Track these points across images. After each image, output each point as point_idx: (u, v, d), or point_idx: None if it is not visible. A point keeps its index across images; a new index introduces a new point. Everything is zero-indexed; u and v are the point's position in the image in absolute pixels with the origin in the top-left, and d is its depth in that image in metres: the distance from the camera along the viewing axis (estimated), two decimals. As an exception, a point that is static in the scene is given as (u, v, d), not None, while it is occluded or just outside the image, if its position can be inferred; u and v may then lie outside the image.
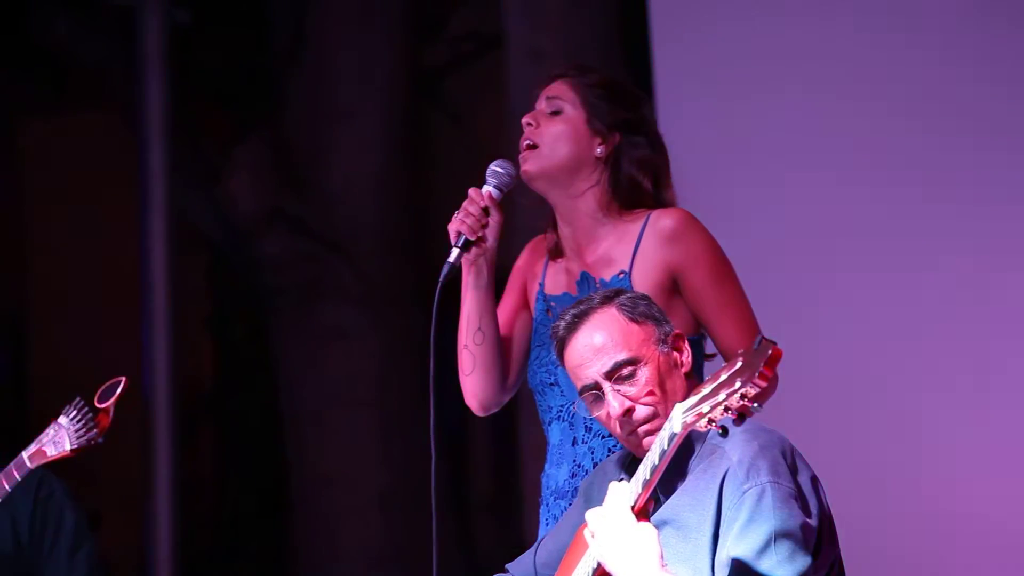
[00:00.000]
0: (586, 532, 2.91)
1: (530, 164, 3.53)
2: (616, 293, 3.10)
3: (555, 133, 3.52)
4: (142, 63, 6.65)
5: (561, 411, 3.50)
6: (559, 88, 3.56)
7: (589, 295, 3.18)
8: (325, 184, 6.93)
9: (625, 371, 3.01)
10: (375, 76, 6.91)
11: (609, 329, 3.03)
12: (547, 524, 3.51)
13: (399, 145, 6.97)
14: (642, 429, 3.00)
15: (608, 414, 3.02)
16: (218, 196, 7.03)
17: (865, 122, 4.98)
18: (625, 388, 3.01)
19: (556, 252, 3.60)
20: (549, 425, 3.54)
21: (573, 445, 3.49)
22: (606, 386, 3.02)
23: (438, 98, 7.32)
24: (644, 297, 3.11)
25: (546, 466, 3.55)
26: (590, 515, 2.90)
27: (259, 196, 6.94)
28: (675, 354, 3.06)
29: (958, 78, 4.88)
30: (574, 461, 3.48)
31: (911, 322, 4.89)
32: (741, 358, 2.69)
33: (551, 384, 3.52)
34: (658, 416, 2.98)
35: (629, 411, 3.00)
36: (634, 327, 3.04)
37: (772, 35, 5.14)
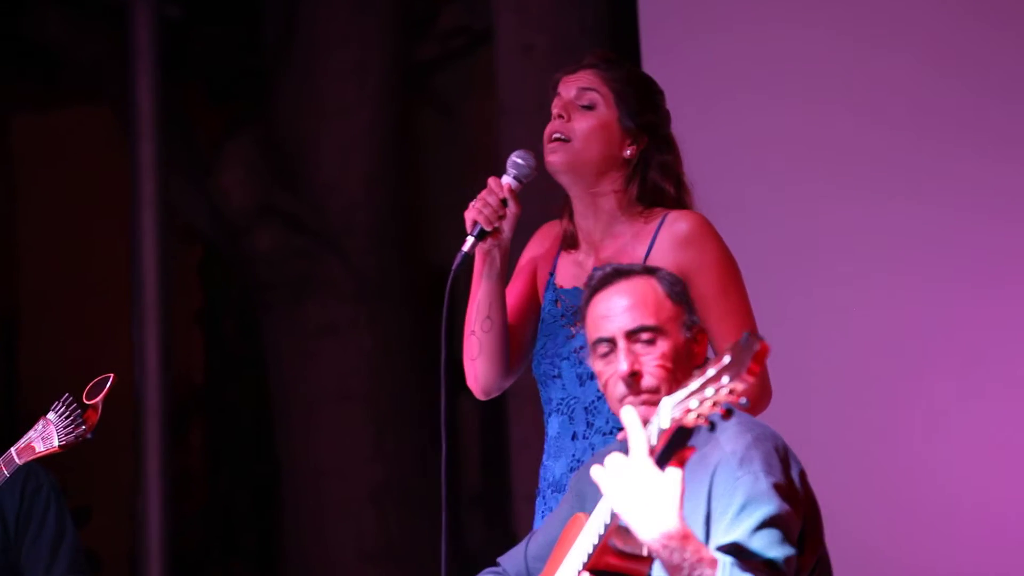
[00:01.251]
0: (599, 475, 2.88)
1: (559, 156, 3.49)
2: (657, 269, 3.09)
3: (588, 129, 3.49)
4: (133, 59, 6.66)
5: (561, 404, 3.50)
6: (591, 79, 3.52)
7: (631, 263, 3.15)
8: (316, 179, 6.93)
9: (646, 336, 3.00)
10: (366, 72, 6.90)
11: (644, 294, 3.02)
12: (543, 516, 3.51)
13: (390, 140, 6.96)
14: (640, 398, 2.98)
15: (613, 372, 3.01)
16: (210, 191, 7.02)
17: (859, 118, 4.98)
18: (639, 352, 3.00)
19: (571, 242, 3.59)
20: (549, 416, 3.54)
21: (572, 439, 3.48)
22: (621, 344, 3.00)
23: (429, 93, 7.31)
24: (682, 282, 3.10)
25: (544, 458, 3.55)
26: (609, 462, 2.83)
27: (251, 191, 6.94)
28: (694, 345, 3.05)
29: (953, 63, 4.89)
30: (573, 456, 3.48)
31: (904, 321, 4.90)
32: (729, 353, 2.69)
33: (554, 376, 3.52)
34: (659, 392, 2.96)
35: (636, 375, 2.99)
36: (668, 302, 3.03)
37: (762, 32, 5.14)
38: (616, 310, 3.02)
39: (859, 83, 4.96)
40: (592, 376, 3.45)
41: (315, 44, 6.95)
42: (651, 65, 5.26)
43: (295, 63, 7.02)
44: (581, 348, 3.49)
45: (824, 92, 5.01)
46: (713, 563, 2.79)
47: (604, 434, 3.44)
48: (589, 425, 3.47)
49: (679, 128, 5.10)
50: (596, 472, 2.84)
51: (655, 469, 2.77)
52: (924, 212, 4.90)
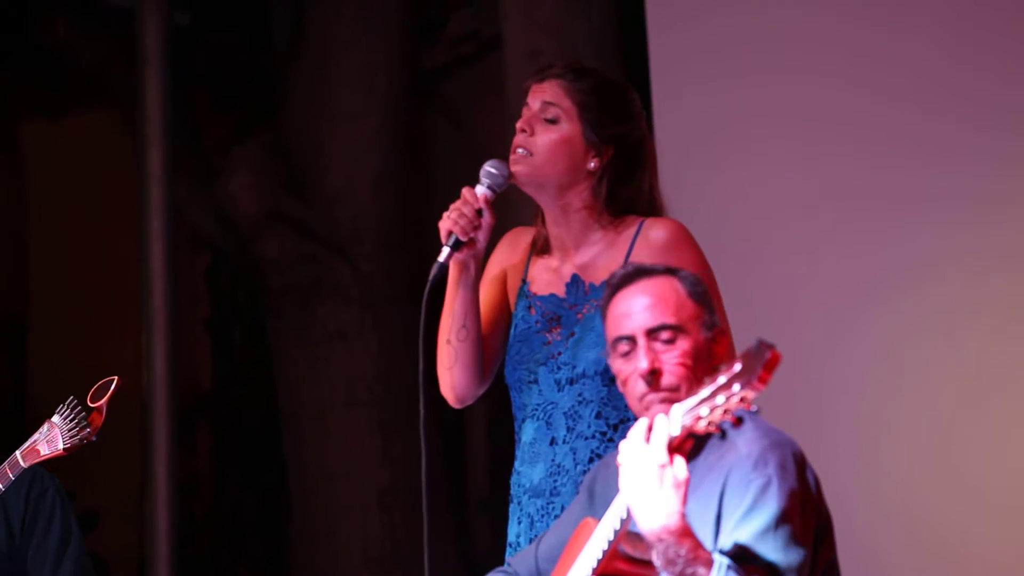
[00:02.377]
0: (622, 450, 2.88)
1: (521, 167, 3.48)
2: (679, 269, 3.09)
3: (550, 144, 3.48)
4: (142, 64, 6.67)
5: (537, 409, 3.49)
6: (555, 92, 3.50)
7: (653, 263, 3.15)
8: (324, 185, 6.94)
9: (666, 335, 2.99)
10: (374, 78, 6.91)
11: (665, 293, 3.02)
12: (519, 523, 3.50)
13: (398, 146, 6.97)
14: (660, 395, 2.97)
15: (633, 370, 3.01)
16: (217, 197, 7.03)
17: (863, 116, 4.98)
18: (660, 350, 2.99)
19: (543, 248, 3.59)
20: (522, 422, 3.53)
21: (551, 445, 3.47)
22: (642, 341, 2.99)
23: (437, 99, 7.32)
24: (704, 283, 3.10)
25: (516, 464, 3.54)
26: (628, 444, 2.85)
27: (258, 197, 6.95)
28: (714, 346, 3.03)
29: (960, 68, 4.88)
30: (552, 461, 3.47)
31: (905, 326, 4.90)
32: (740, 361, 2.69)
33: (530, 382, 3.51)
34: (679, 390, 2.95)
35: (656, 373, 2.98)
36: (689, 302, 3.02)
37: (770, 33, 5.14)
38: (637, 308, 3.01)
39: (872, 83, 4.96)
40: (570, 381, 3.46)
41: (323, 50, 6.96)
42: (660, 69, 5.27)
43: (303, 69, 7.03)
44: (559, 354, 3.49)
45: (833, 94, 5.01)
46: (709, 563, 2.80)
47: (586, 438, 3.44)
48: (569, 430, 3.46)
49: (686, 130, 5.13)
50: (620, 450, 2.85)
51: (666, 460, 2.78)
52: (927, 216, 4.90)
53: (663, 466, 2.78)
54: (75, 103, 7.85)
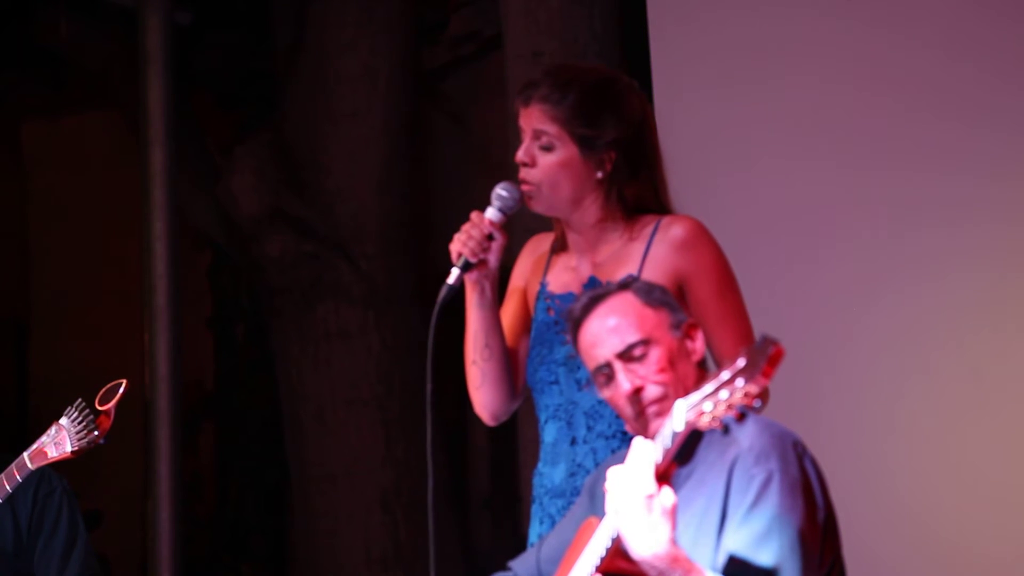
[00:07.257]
0: (609, 483, 2.91)
1: (534, 203, 3.51)
2: (632, 281, 3.13)
3: (552, 172, 3.49)
4: (144, 64, 6.66)
5: (559, 410, 3.51)
6: (541, 118, 3.49)
7: (607, 284, 3.19)
8: (326, 184, 6.95)
9: (637, 352, 3.03)
10: (376, 77, 6.92)
11: (624, 311, 3.06)
12: (541, 523, 3.52)
13: (400, 145, 6.98)
14: (651, 410, 3.01)
15: (620, 394, 3.04)
16: (220, 196, 7.04)
17: (865, 118, 4.98)
18: (636, 368, 3.03)
19: (561, 246, 3.60)
20: (545, 423, 3.55)
21: (572, 444, 3.49)
22: (617, 365, 3.04)
23: (438, 99, 7.33)
24: (659, 287, 3.14)
25: (539, 464, 3.55)
26: (613, 475, 2.88)
27: (260, 196, 6.95)
28: (688, 342, 3.08)
29: (962, 71, 4.88)
30: (573, 461, 3.48)
31: (909, 323, 4.90)
32: (744, 356, 2.70)
33: (551, 383, 3.52)
34: (668, 397, 2.99)
35: (639, 390, 3.02)
36: (649, 311, 3.06)
37: (772, 34, 5.14)
38: (603, 335, 3.06)
39: (874, 86, 4.96)
40: (591, 381, 3.47)
41: (325, 50, 6.97)
42: (661, 71, 5.27)
43: (305, 69, 7.04)
44: (578, 354, 3.50)
45: (835, 97, 5.02)
46: None
47: (607, 438, 3.45)
48: (590, 429, 3.47)
49: (687, 128, 5.13)
50: (608, 478, 2.87)
51: (654, 489, 2.80)
52: (932, 214, 4.91)
53: (651, 496, 2.80)
54: (77, 103, 7.86)
